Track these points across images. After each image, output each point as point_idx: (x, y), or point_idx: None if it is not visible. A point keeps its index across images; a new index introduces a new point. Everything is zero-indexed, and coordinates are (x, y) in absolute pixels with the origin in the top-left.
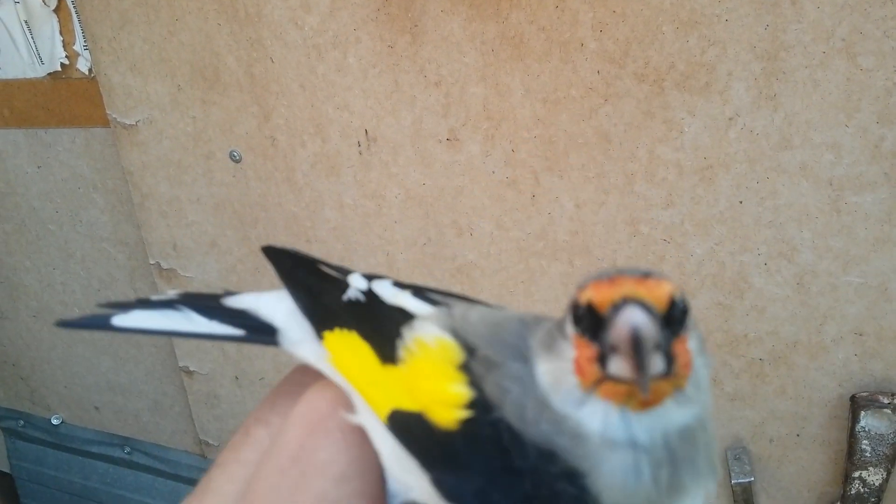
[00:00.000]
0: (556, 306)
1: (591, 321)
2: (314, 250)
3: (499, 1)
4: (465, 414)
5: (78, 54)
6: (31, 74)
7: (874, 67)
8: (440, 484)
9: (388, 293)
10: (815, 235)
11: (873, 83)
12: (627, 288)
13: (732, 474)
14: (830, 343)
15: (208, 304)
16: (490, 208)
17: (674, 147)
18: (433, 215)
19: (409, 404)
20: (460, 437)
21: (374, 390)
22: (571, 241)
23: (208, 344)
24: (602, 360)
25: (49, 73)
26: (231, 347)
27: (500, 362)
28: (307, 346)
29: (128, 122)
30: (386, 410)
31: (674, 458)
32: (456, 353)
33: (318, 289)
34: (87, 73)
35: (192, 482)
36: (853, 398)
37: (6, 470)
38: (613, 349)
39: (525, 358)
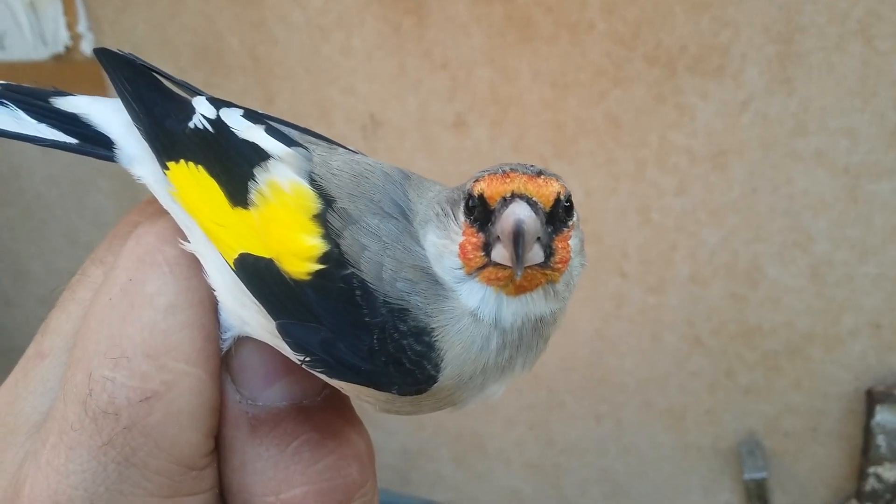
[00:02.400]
0: None
1: (481, 211)
2: None
3: None
4: (317, 267)
5: (81, 36)
6: (34, 56)
7: (891, 50)
8: (286, 331)
9: (240, 125)
10: (831, 224)
11: (890, 67)
12: (518, 184)
13: (745, 469)
14: (847, 335)
15: (36, 104)
16: None
17: (686, 133)
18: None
19: (259, 250)
20: (311, 290)
21: (222, 231)
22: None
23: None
24: (487, 247)
25: (53, 55)
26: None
27: (357, 218)
28: (146, 168)
29: None
30: (234, 254)
31: (519, 344)
32: (312, 203)
33: (160, 110)
34: (90, 55)
35: None
36: (869, 392)
37: None
38: (498, 238)
39: (389, 216)
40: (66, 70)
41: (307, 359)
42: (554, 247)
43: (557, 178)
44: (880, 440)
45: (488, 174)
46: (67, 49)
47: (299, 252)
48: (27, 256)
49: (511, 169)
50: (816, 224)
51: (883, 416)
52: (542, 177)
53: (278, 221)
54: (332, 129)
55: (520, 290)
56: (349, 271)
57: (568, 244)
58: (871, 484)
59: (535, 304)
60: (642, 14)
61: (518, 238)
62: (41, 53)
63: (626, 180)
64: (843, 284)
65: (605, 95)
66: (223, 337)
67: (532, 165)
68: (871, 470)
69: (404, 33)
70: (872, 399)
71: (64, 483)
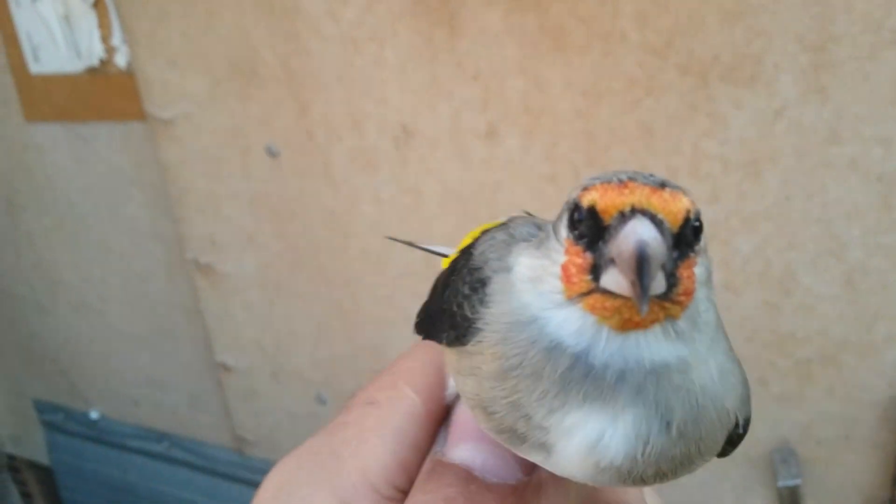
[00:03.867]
0: None
1: (590, 227)
2: (351, 245)
3: None
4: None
5: (116, 49)
6: (69, 69)
7: None
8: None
9: None
10: (865, 232)
11: None
12: (639, 196)
13: (779, 477)
14: (881, 342)
15: None
16: (530, 204)
17: (719, 141)
18: (471, 211)
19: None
20: (440, 274)
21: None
22: None
23: (245, 339)
24: (595, 270)
25: (87, 68)
26: (269, 343)
27: (509, 231)
28: None
29: (165, 116)
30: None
31: (623, 378)
32: (492, 224)
33: None
34: (124, 67)
35: (230, 477)
36: None
37: (46, 463)
38: (612, 262)
39: (512, 235)
40: (100, 83)
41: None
42: (678, 275)
43: (685, 192)
44: None
45: (601, 182)
46: (102, 62)
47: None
48: (61, 265)
49: (629, 178)
50: (850, 232)
51: None
52: (668, 189)
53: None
54: (364, 140)
55: (629, 325)
56: (467, 254)
57: (693, 273)
58: None
59: (648, 343)
60: (675, 24)
61: (642, 265)
62: (75, 66)
63: None
64: (876, 292)
65: (637, 104)
66: (447, 392)
67: (653, 175)
68: None
69: (437, 45)
70: None
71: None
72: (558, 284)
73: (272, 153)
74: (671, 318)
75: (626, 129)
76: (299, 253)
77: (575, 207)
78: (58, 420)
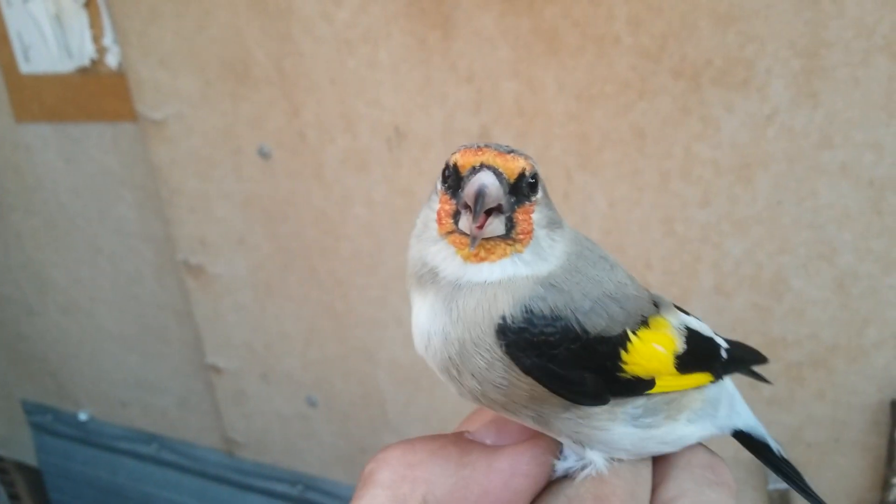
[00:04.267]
0: None
1: (453, 180)
2: (343, 247)
3: None
4: None
5: (107, 49)
6: (60, 69)
7: None
8: None
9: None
10: (856, 237)
11: None
12: (487, 156)
13: (770, 479)
14: (871, 347)
15: None
16: None
17: (711, 145)
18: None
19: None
20: None
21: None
22: (605, 239)
23: (236, 341)
24: (457, 216)
25: (78, 68)
26: (260, 345)
27: None
28: None
29: (156, 116)
30: None
31: (456, 296)
32: None
33: None
34: (115, 67)
35: (220, 479)
36: (893, 403)
37: (34, 464)
38: (464, 206)
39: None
40: (91, 83)
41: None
42: (515, 219)
43: (527, 158)
44: None
45: (464, 147)
46: (93, 62)
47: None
48: (50, 265)
49: (485, 145)
50: (841, 236)
51: None
52: (512, 154)
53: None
54: (357, 141)
55: (476, 257)
56: None
57: (530, 217)
58: (894, 494)
59: (489, 268)
60: (668, 28)
61: (479, 198)
62: (66, 66)
63: (650, 191)
64: (867, 296)
65: (630, 107)
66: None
67: (507, 146)
68: (895, 480)
69: (430, 46)
70: None
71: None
72: (435, 226)
73: (264, 154)
74: (517, 252)
75: (619, 132)
76: (291, 254)
77: (446, 166)
78: (46, 421)
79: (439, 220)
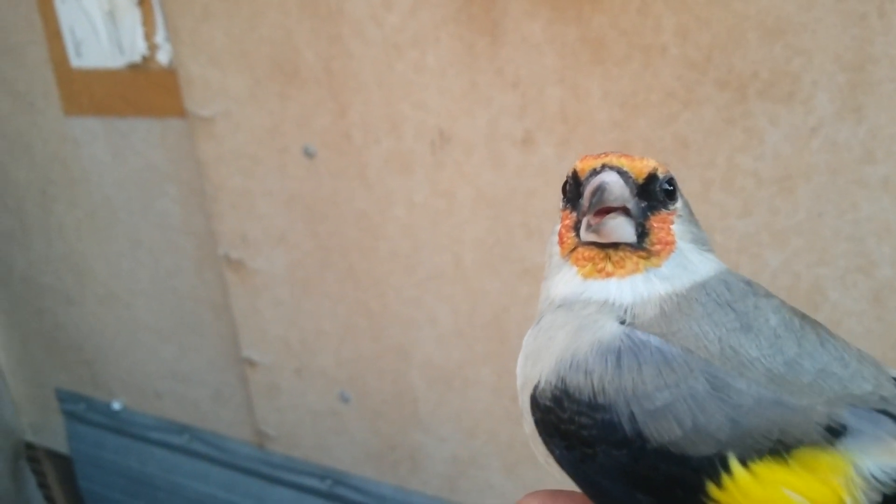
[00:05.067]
0: None
1: (573, 189)
2: (381, 247)
3: (581, 4)
4: None
5: (158, 46)
6: (111, 64)
7: None
8: None
9: None
10: (895, 250)
11: None
12: (610, 158)
13: None
14: None
15: None
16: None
17: (753, 156)
18: (503, 216)
19: None
20: None
21: None
22: None
23: (272, 335)
24: (578, 226)
25: (129, 64)
26: (295, 340)
27: None
28: None
29: (205, 114)
30: None
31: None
32: None
33: None
34: (166, 64)
35: (250, 472)
36: None
37: (66, 452)
38: (584, 213)
39: None
40: (141, 79)
41: None
42: (648, 226)
43: (658, 162)
44: None
45: (584, 155)
46: (144, 58)
47: None
48: (91, 257)
49: (612, 152)
50: (880, 249)
51: None
52: (640, 157)
53: None
54: (401, 143)
55: (604, 273)
56: None
57: (670, 227)
58: None
59: (626, 286)
60: (715, 40)
61: (596, 193)
62: (117, 62)
63: (691, 200)
64: None
65: (674, 117)
66: None
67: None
68: None
69: (478, 52)
70: None
71: None
72: (557, 249)
73: (309, 153)
74: (653, 267)
75: (662, 141)
76: (330, 252)
77: (566, 180)
78: (79, 410)
79: (561, 241)
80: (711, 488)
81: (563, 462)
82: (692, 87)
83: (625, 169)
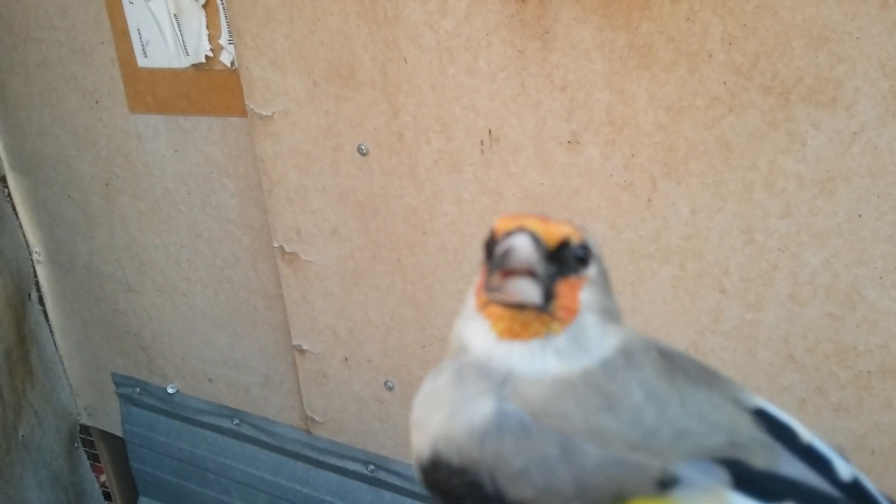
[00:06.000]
0: (663, 308)
1: (490, 248)
2: (429, 242)
3: (630, 11)
4: None
5: (222, 48)
6: (175, 65)
7: None
8: None
9: None
10: None
11: None
12: (525, 222)
13: None
14: None
15: None
16: (605, 210)
17: (796, 159)
18: (548, 214)
19: None
20: None
21: None
22: (684, 245)
23: (321, 324)
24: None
25: (193, 65)
26: (343, 329)
27: None
28: None
29: (264, 113)
30: None
31: (486, 382)
32: None
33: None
34: (229, 65)
35: (296, 456)
36: None
37: (119, 434)
38: (492, 273)
39: None
40: (204, 79)
41: None
42: (555, 291)
43: (579, 229)
44: None
45: (505, 216)
46: (208, 59)
47: None
48: (151, 247)
49: (533, 213)
50: None
51: None
52: (557, 221)
53: None
54: (451, 144)
55: (510, 333)
56: None
57: (576, 295)
58: None
59: (525, 354)
60: (761, 47)
61: (505, 257)
62: (182, 62)
63: (732, 201)
64: None
65: (718, 121)
66: None
67: (567, 221)
68: None
69: (528, 56)
70: None
71: None
72: (474, 300)
73: (362, 152)
74: (551, 333)
75: (706, 144)
76: (379, 246)
77: (488, 237)
78: (134, 393)
79: (476, 295)
80: None
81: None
82: (737, 92)
83: (537, 233)
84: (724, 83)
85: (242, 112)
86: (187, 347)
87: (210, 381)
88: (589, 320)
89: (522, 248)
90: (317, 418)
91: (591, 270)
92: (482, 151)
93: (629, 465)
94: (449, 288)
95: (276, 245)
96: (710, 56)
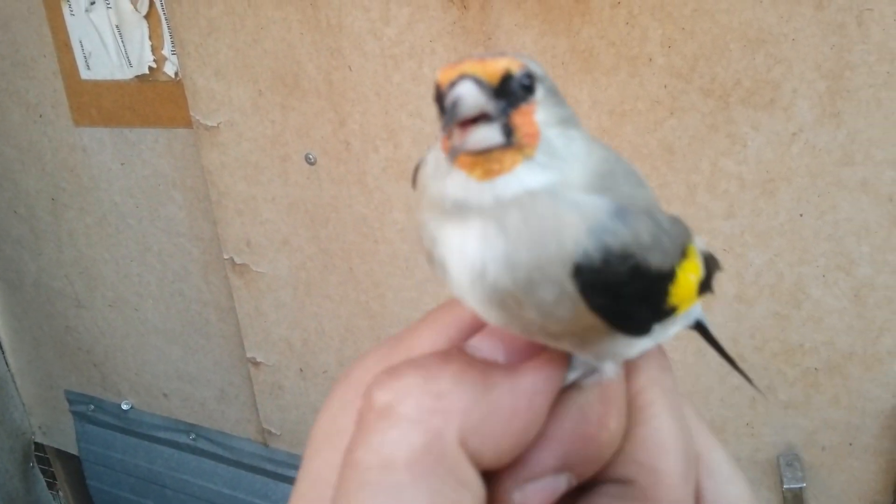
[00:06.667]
0: None
1: (440, 101)
2: (381, 250)
3: (571, 16)
4: None
5: (165, 58)
6: (119, 76)
7: None
8: None
9: None
10: (874, 250)
11: None
12: (464, 67)
13: (784, 480)
14: (886, 355)
15: None
16: None
17: (737, 160)
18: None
19: None
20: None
21: None
22: None
23: (275, 336)
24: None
25: (136, 76)
26: (298, 341)
27: None
28: None
29: (210, 123)
30: None
31: (505, 216)
32: None
33: None
34: (173, 76)
35: (254, 469)
36: None
37: (74, 452)
38: (449, 129)
39: None
40: (149, 90)
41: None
42: (513, 124)
43: (519, 57)
44: None
45: (446, 64)
46: (151, 70)
47: None
48: (100, 262)
49: (468, 56)
50: (859, 249)
51: None
52: (493, 58)
53: None
54: (398, 150)
55: (489, 174)
56: None
57: (532, 118)
58: None
59: (513, 180)
60: (700, 49)
61: (453, 110)
62: (125, 74)
63: (677, 203)
64: (883, 306)
65: (660, 124)
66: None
67: (502, 51)
68: None
69: None
70: None
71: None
72: (442, 155)
73: (310, 161)
74: (527, 157)
75: (649, 147)
76: (331, 256)
77: (434, 92)
78: (88, 410)
79: (444, 149)
80: (670, 287)
81: (602, 307)
82: (677, 95)
83: (478, 76)
84: (665, 86)
85: (188, 123)
86: (140, 363)
87: (165, 395)
88: (551, 133)
89: (469, 95)
90: (274, 431)
91: (539, 93)
92: None
93: (678, 223)
94: (402, 296)
95: (226, 257)
96: (651, 60)
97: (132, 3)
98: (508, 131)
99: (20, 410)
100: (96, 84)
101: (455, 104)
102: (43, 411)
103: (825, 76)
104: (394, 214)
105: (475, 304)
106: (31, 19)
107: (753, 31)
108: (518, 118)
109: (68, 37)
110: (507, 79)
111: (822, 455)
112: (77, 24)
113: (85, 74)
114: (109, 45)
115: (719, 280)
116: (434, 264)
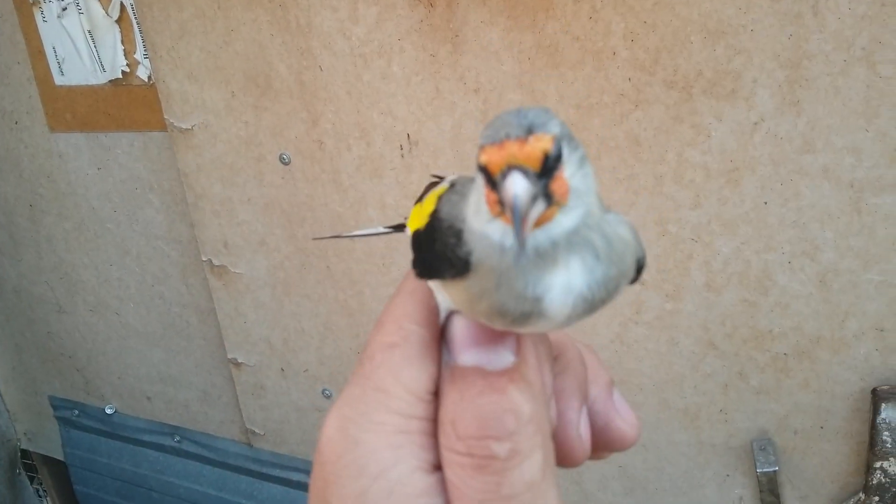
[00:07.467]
0: None
1: (488, 176)
2: (358, 248)
3: (535, 12)
4: (427, 220)
5: (138, 62)
6: (92, 81)
7: (893, 75)
8: (413, 262)
9: None
10: (837, 235)
11: (892, 90)
12: (510, 154)
13: (758, 464)
14: (852, 338)
15: None
16: None
17: (701, 150)
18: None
19: (416, 225)
20: (422, 231)
21: (412, 224)
22: None
23: (255, 336)
24: (502, 204)
25: (110, 80)
26: (278, 340)
27: (458, 191)
28: None
29: (184, 126)
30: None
31: (555, 247)
32: (442, 190)
33: None
34: (146, 80)
35: (239, 469)
36: (874, 391)
37: (60, 458)
38: (507, 216)
39: (463, 195)
40: (123, 95)
41: (416, 268)
42: (552, 191)
43: (546, 132)
44: (885, 436)
45: (487, 144)
46: (124, 74)
47: (425, 215)
48: (80, 267)
49: (505, 134)
50: (823, 235)
51: (888, 413)
52: (532, 136)
53: (425, 206)
54: (371, 148)
55: (539, 226)
56: (438, 215)
57: (563, 180)
58: (877, 478)
59: (557, 223)
60: (662, 42)
61: (516, 212)
62: (99, 79)
63: (645, 194)
64: (848, 291)
65: (626, 116)
66: (441, 313)
67: (524, 117)
68: (877, 465)
69: (440, 60)
70: (878, 398)
71: (336, 408)
72: (486, 209)
73: (284, 161)
74: (562, 206)
75: (616, 140)
76: (308, 255)
77: (479, 166)
78: (73, 416)
79: (490, 206)
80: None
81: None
82: (641, 87)
83: (524, 167)
84: (629, 79)
85: (163, 126)
86: (123, 366)
87: (148, 399)
88: (576, 182)
89: (523, 193)
90: (257, 431)
91: (564, 152)
92: (402, 156)
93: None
94: (379, 293)
95: (204, 259)
96: (615, 53)
97: (104, 7)
98: (549, 198)
99: (5, 418)
100: (70, 90)
101: (514, 204)
102: (28, 418)
103: (784, 65)
104: (368, 212)
105: (549, 326)
106: (5, 26)
107: (713, 23)
108: (554, 185)
109: (42, 43)
110: (545, 160)
111: (794, 439)
112: (50, 30)
113: (59, 80)
114: (82, 50)
115: (688, 268)
116: (517, 315)
